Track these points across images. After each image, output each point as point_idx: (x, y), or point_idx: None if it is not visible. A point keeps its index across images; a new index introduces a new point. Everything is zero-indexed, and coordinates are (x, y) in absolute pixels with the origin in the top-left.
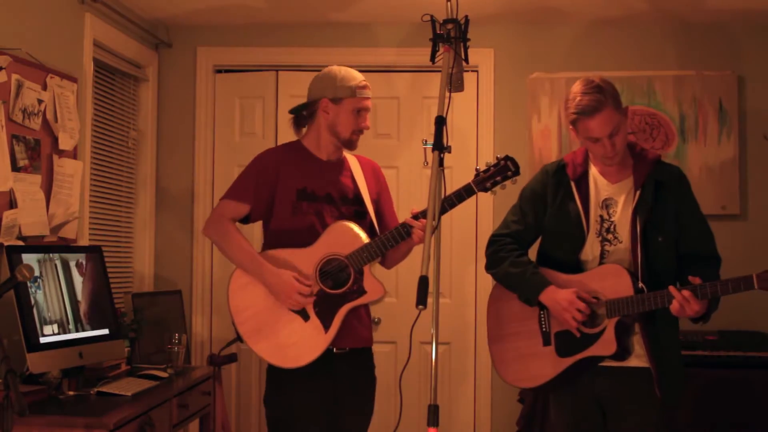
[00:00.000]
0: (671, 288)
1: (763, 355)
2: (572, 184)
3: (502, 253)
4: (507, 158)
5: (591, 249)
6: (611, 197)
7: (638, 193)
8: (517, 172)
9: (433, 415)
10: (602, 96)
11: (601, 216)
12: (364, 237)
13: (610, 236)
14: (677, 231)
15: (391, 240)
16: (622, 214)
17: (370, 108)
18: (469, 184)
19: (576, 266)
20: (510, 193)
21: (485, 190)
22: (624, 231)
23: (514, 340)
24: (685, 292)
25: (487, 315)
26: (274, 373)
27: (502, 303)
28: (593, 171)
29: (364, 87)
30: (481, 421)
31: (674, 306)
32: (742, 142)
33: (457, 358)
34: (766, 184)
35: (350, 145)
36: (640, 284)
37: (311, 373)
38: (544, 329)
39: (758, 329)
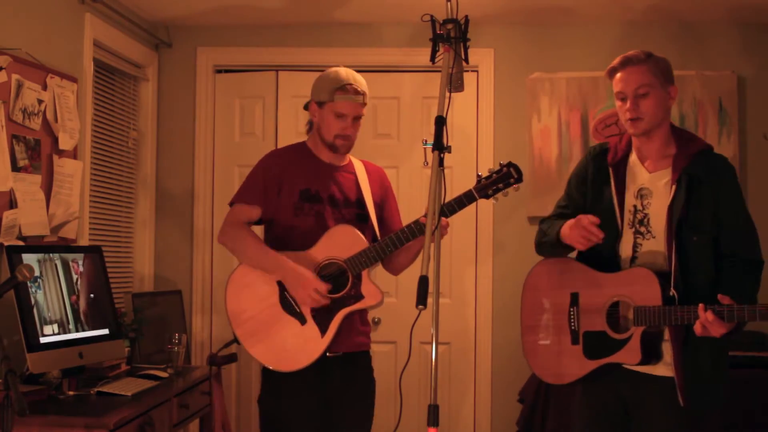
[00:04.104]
0: (700, 307)
1: (763, 355)
2: (610, 169)
3: (541, 226)
4: (510, 165)
5: (626, 240)
6: (647, 187)
7: (674, 188)
8: (519, 179)
9: (433, 415)
10: (644, 56)
11: (635, 206)
12: (364, 241)
13: (642, 229)
14: (716, 230)
15: (390, 245)
16: (657, 206)
17: (357, 113)
18: (470, 191)
19: (612, 258)
20: (513, 197)
21: (486, 196)
22: (658, 226)
23: (545, 333)
24: (709, 315)
25: (522, 304)
26: (268, 375)
27: (537, 293)
28: (633, 157)
29: (348, 91)
30: (481, 421)
31: (697, 327)
32: (742, 142)
33: (457, 358)
34: (766, 184)
35: (335, 149)
36: (672, 291)
37: (304, 377)
38: (573, 327)
39: (758, 329)
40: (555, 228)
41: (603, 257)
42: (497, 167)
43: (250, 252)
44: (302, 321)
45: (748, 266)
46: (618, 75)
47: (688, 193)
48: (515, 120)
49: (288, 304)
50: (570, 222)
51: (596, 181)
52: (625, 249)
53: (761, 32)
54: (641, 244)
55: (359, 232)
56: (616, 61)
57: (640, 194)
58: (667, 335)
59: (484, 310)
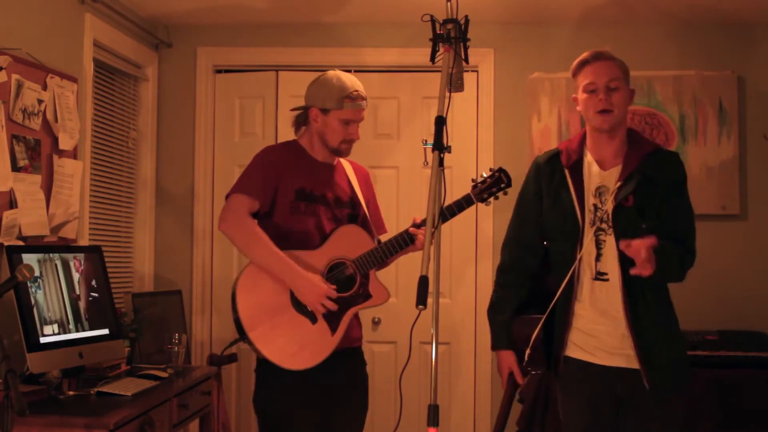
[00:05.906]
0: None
1: (763, 355)
2: (566, 171)
3: (496, 299)
4: (500, 170)
5: (589, 239)
6: (603, 185)
7: (619, 183)
8: (509, 184)
9: (433, 415)
10: (609, 54)
11: (594, 205)
12: (370, 242)
13: (604, 225)
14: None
15: (396, 246)
16: (612, 203)
17: (361, 118)
18: (468, 195)
19: (571, 259)
20: (513, 197)
21: (483, 200)
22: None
23: None
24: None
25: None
26: (266, 373)
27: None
28: (588, 158)
29: (355, 98)
30: (481, 421)
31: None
32: (742, 142)
33: (457, 358)
34: (766, 184)
35: (339, 153)
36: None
37: (306, 373)
38: None
39: (758, 329)
40: (500, 331)
41: (565, 258)
42: (489, 173)
43: (258, 250)
44: (313, 320)
45: (679, 245)
46: (589, 67)
47: (639, 186)
48: (515, 120)
49: (299, 304)
50: (509, 364)
51: (552, 185)
52: (590, 247)
53: (761, 32)
54: (604, 241)
55: (366, 233)
56: (587, 54)
57: (598, 192)
58: (626, 330)
59: (484, 310)
